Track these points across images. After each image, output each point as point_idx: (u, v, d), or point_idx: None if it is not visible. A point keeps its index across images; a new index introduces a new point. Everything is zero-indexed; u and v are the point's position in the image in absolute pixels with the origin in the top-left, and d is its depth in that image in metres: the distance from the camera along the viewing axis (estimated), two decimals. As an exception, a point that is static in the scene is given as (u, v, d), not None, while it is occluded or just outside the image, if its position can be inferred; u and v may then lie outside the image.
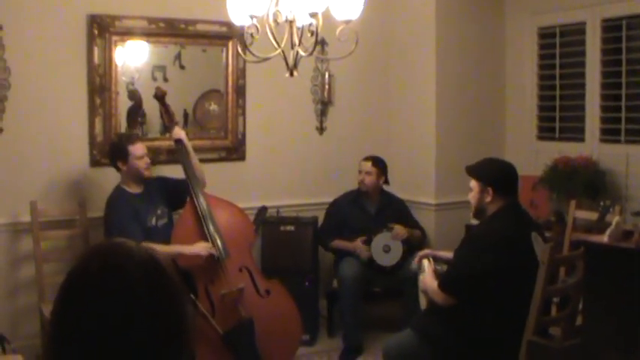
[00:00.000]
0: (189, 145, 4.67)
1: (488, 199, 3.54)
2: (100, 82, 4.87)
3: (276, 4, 3.16)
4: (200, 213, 4.47)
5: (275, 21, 3.16)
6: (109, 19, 4.86)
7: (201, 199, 4.51)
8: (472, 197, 3.62)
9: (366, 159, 5.41)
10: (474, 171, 3.66)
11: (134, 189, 4.54)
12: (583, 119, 5.32)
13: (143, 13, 5.00)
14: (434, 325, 3.57)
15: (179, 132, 4.65)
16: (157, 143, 4.99)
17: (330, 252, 5.42)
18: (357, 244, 5.20)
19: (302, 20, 3.15)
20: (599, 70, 5.17)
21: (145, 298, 1.23)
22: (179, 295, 1.30)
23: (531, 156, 5.66)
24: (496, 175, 3.60)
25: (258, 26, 3.14)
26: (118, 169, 4.55)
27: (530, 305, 3.33)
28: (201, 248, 4.35)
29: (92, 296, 1.22)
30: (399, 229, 5.21)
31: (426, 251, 4.15)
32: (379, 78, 6.01)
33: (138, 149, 4.50)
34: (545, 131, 5.70)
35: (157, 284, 1.26)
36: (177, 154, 4.65)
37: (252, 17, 3.11)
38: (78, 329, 1.21)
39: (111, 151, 4.63)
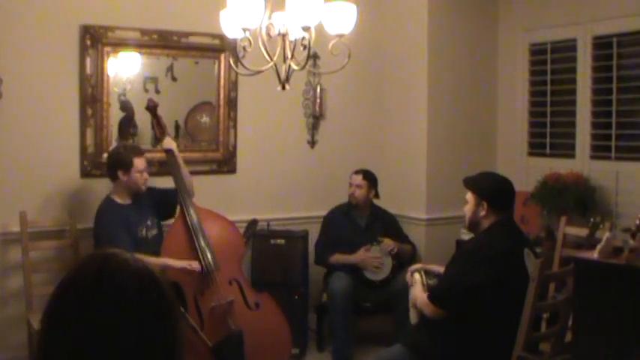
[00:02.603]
0: (179, 156, 4.67)
1: (482, 213, 3.55)
2: (91, 92, 4.87)
3: (269, 17, 3.17)
4: (190, 225, 4.47)
5: (268, 34, 3.17)
6: (101, 30, 4.86)
7: (192, 212, 4.50)
8: (467, 210, 3.63)
9: (357, 172, 5.41)
10: (471, 183, 3.66)
11: (124, 200, 4.53)
12: (574, 136, 5.34)
13: (136, 25, 5.00)
14: (424, 339, 3.56)
15: (170, 142, 4.66)
16: (148, 155, 4.96)
17: (327, 267, 5.35)
18: (363, 255, 5.18)
19: (295, 34, 3.17)
20: (589, 87, 5.21)
21: (138, 309, 1.23)
22: (172, 308, 1.30)
23: (522, 172, 5.67)
24: (492, 190, 3.60)
25: (251, 39, 3.15)
26: (114, 179, 4.51)
27: (520, 321, 3.33)
28: (187, 262, 4.34)
29: (85, 304, 1.22)
30: (388, 242, 5.21)
31: (418, 265, 4.15)
32: (371, 92, 6.03)
33: (141, 163, 4.50)
34: (536, 147, 5.72)
35: (150, 296, 1.26)
36: (167, 164, 4.65)
37: (244, 30, 3.11)
38: (68, 336, 1.20)
39: (114, 159, 4.55)
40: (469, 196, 3.63)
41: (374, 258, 5.17)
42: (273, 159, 5.65)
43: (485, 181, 3.69)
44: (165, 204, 4.66)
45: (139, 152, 4.58)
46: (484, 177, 3.75)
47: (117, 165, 4.50)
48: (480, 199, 3.56)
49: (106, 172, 4.61)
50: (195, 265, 4.36)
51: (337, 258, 5.24)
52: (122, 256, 1.30)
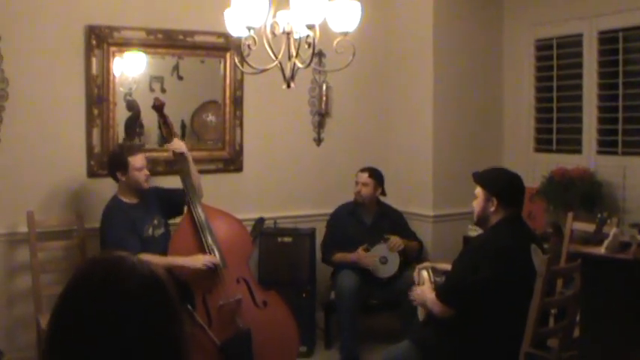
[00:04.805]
0: (189, 156, 4.66)
1: (492, 208, 3.52)
2: (97, 92, 4.88)
3: (274, 15, 3.17)
4: (198, 224, 4.47)
5: (272, 33, 3.17)
6: (107, 30, 4.87)
7: (199, 210, 4.51)
8: (476, 205, 3.60)
9: (363, 170, 5.41)
10: (480, 179, 3.63)
11: (131, 199, 4.54)
12: (580, 131, 5.33)
13: (141, 24, 5.01)
14: (431, 336, 3.56)
15: (180, 145, 4.61)
16: (155, 154, 4.98)
17: (332, 266, 5.36)
18: (360, 254, 5.19)
19: (299, 32, 3.17)
20: (595, 81, 5.19)
21: (143, 312, 1.24)
22: (177, 311, 1.32)
23: (528, 168, 5.65)
24: (502, 186, 3.57)
25: (256, 38, 3.15)
26: (117, 180, 4.54)
27: (527, 317, 3.33)
28: (202, 264, 4.33)
29: (90, 306, 1.23)
30: (395, 240, 5.21)
31: (426, 263, 4.15)
32: (376, 89, 6.03)
33: (138, 161, 4.50)
34: (543, 143, 5.71)
35: (155, 299, 1.28)
36: (177, 165, 4.64)
37: (249, 29, 3.11)
38: (74, 337, 1.22)
39: (110, 161, 4.61)
40: (478, 191, 3.59)
41: (372, 257, 5.17)
42: (280, 157, 5.66)
43: (495, 176, 3.67)
44: (171, 203, 4.66)
45: (134, 150, 4.59)
46: (494, 172, 3.74)
47: (114, 166, 4.53)
48: (489, 195, 3.53)
49: (108, 175, 4.63)
50: (203, 263, 4.35)
51: (338, 257, 5.26)
52: (128, 259, 1.31)
